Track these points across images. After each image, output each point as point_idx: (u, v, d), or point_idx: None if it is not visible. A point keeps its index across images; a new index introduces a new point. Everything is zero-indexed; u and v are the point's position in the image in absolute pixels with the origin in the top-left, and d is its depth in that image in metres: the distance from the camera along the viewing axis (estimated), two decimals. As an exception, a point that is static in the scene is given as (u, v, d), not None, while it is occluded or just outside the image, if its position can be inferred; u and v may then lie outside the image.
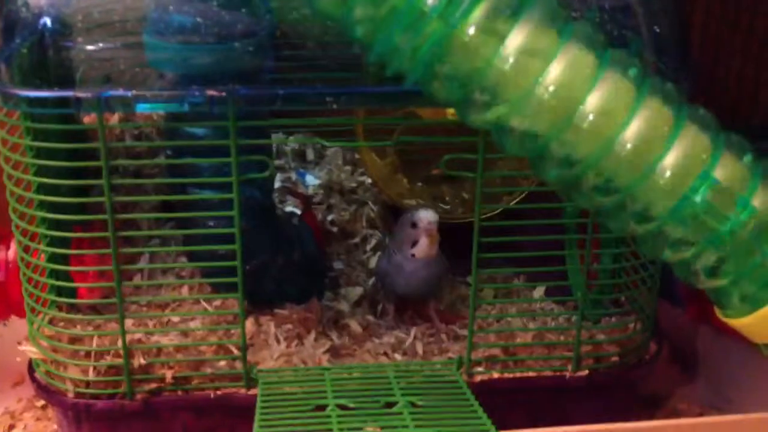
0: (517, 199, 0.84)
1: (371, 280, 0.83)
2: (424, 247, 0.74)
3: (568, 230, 0.77)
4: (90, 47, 0.65)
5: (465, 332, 0.77)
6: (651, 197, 0.52)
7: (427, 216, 0.73)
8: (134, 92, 0.60)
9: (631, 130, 0.51)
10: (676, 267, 0.55)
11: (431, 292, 0.78)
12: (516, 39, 0.51)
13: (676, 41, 0.64)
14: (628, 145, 0.51)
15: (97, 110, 0.60)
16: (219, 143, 0.63)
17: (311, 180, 0.96)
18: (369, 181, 0.96)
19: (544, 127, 0.52)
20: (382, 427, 0.57)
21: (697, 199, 0.51)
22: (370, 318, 0.79)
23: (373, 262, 0.87)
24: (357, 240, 0.90)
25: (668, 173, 0.51)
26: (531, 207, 0.79)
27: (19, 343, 0.90)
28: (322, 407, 0.61)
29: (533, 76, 0.51)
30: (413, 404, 0.61)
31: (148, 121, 0.79)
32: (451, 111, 0.78)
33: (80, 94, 0.59)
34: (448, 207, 0.91)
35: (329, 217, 0.92)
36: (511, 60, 0.51)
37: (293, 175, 0.96)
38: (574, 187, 0.54)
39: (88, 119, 0.78)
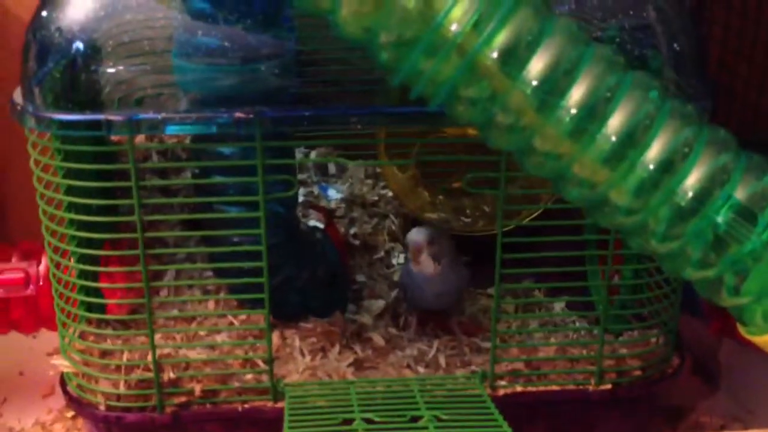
0: (537, 214, 0.85)
1: (393, 293, 0.84)
2: (417, 265, 0.76)
3: (588, 245, 0.77)
4: (113, 70, 0.66)
5: (487, 344, 0.78)
6: (672, 218, 0.53)
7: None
8: (164, 115, 0.61)
9: (653, 152, 0.52)
10: (699, 285, 0.55)
11: (451, 304, 0.79)
12: (537, 64, 0.51)
13: (695, 59, 0.64)
14: (650, 166, 0.52)
15: (128, 132, 0.62)
16: (246, 163, 0.64)
17: (333, 194, 0.97)
18: (390, 194, 0.97)
19: (565, 150, 0.53)
20: (408, 441, 0.58)
21: (719, 219, 0.52)
22: (393, 330, 0.80)
23: (395, 276, 0.88)
24: (380, 254, 0.91)
25: (689, 194, 0.52)
26: (551, 223, 0.79)
27: (50, 355, 0.92)
28: (349, 421, 0.62)
29: (556, 100, 0.51)
30: (438, 418, 0.62)
31: (176, 142, 0.80)
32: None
33: (111, 117, 0.61)
34: (469, 220, 0.92)
35: (352, 230, 0.93)
36: (533, 84, 0.52)
37: (315, 189, 0.97)
38: (596, 207, 0.55)
39: (116, 138, 0.80)
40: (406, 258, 0.89)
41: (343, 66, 0.79)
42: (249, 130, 0.62)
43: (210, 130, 0.62)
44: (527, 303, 0.82)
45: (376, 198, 0.98)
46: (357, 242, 0.92)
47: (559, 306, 0.81)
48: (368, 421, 0.62)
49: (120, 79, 0.66)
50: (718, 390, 0.85)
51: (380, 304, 0.83)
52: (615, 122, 0.52)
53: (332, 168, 1.01)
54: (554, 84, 0.51)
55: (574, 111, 0.52)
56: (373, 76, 0.70)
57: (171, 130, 0.62)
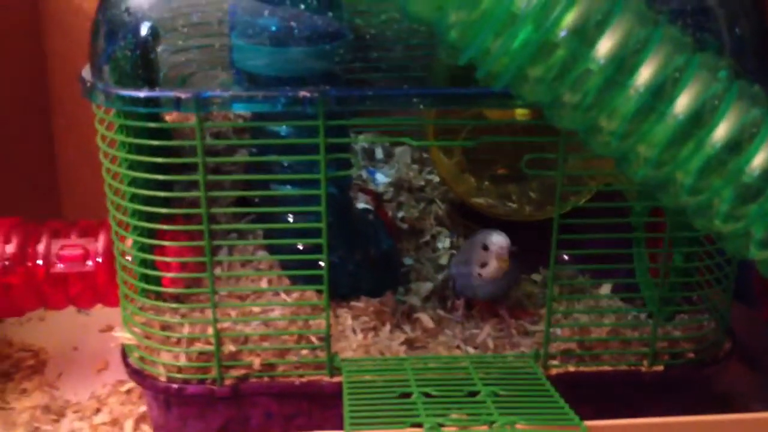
0: (586, 198, 0.85)
1: (440, 276, 0.85)
2: (492, 270, 0.75)
3: (636, 229, 0.78)
4: (177, 48, 0.68)
5: (535, 328, 0.79)
6: (739, 197, 0.53)
7: (499, 241, 0.74)
8: (231, 93, 0.63)
9: (720, 132, 0.52)
10: (762, 265, 0.56)
11: (501, 297, 0.80)
12: (607, 42, 0.52)
13: (756, 44, 0.65)
14: (718, 146, 0.52)
15: (195, 110, 0.63)
16: (309, 141, 0.65)
17: (381, 178, 0.98)
18: (437, 179, 0.98)
19: (631, 129, 0.54)
20: (468, 415, 0.59)
21: (787, 199, 0.52)
22: (441, 312, 0.82)
23: (441, 259, 0.89)
24: (427, 238, 0.92)
25: (756, 173, 0.53)
26: (600, 205, 0.80)
27: (103, 332, 0.94)
28: (407, 395, 0.63)
29: (624, 79, 0.52)
30: (496, 394, 0.63)
31: (236, 121, 0.82)
32: (520, 112, 0.80)
33: (180, 94, 0.62)
34: (515, 206, 0.93)
35: (399, 214, 0.94)
36: (602, 63, 0.52)
37: (363, 173, 0.98)
38: (661, 186, 0.56)
39: (170, 117, 0.81)
40: (452, 244, 0.90)
41: (388, 51, 0.80)
42: (313, 108, 0.63)
43: (275, 108, 0.63)
44: (575, 287, 0.82)
45: (422, 183, 0.99)
46: (405, 226, 0.93)
47: (605, 290, 0.81)
48: (426, 395, 0.63)
49: (182, 59, 0.68)
50: (766, 378, 0.85)
51: (428, 286, 0.84)
52: (682, 102, 0.52)
53: (379, 153, 1.02)
54: (623, 63, 0.52)
55: (642, 90, 0.52)
56: (420, 60, 0.71)
57: (237, 107, 0.63)
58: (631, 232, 0.78)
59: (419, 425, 0.58)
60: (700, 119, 0.52)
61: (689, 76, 0.52)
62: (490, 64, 0.54)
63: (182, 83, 0.69)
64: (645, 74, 0.52)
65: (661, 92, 0.52)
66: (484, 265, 0.76)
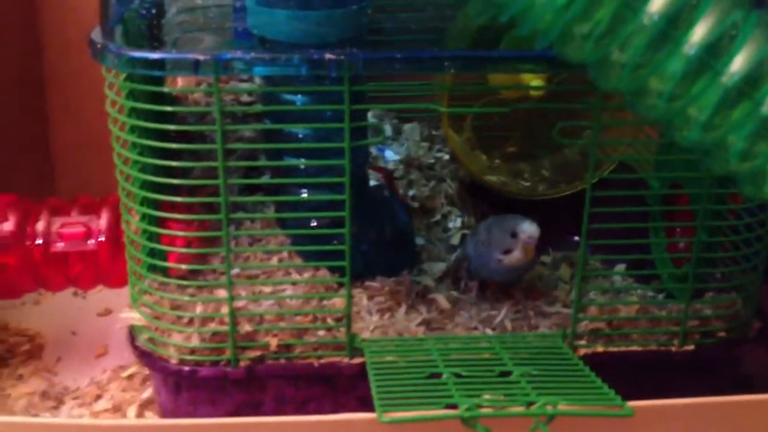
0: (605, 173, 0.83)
1: (453, 256, 0.83)
2: (516, 258, 0.73)
3: (651, 204, 0.76)
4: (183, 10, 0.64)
5: (551, 309, 0.76)
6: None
7: (529, 230, 0.71)
8: (253, 55, 0.59)
9: (778, 92, 0.50)
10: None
11: (516, 280, 0.78)
12: (660, -3, 0.49)
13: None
14: (774, 108, 0.50)
15: (214, 73, 0.59)
16: (332, 108, 0.62)
17: (391, 155, 0.95)
18: (446, 157, 0.96)
19: (683, 90, 0.51)
20: (505, 395, 0.56)
21: None
22: (455, 293, 0.79)
23: (453, 239, 0.86)
24: (437, 217, 0.90)
25: (816, 137, 0.50)
26: (620, 177, 0.78)
27: (101, 316, 0.91)
28: (436, 375, 0.60)
29: (678, 35, 0.49)
30: (529, 374, 0.60)
31: (254, 86, 0.78)
32: (534, 83, 0.77)
33: (199, 56, 0.59)
34: (528, 184, 0.90)
35: (410, 193, 0.91)
36: (654, 18, 0.49)
37: (373, 151, 0.95)
38: (711, 151, 0.53)
39: (174, 83, 0.78)
40: (463, 223, 0.88)
41: (411, 13, 0.77)
42: (339, 72, 0.60)
43: (299, 71, 0.60)
44: (591, 267, 0.80)
45: (432, 161, 0.96)
46: (415, 205, 0.90)
47: (618, 269, 0.79)
48: (456, 375, 0.61)
49: (182, 21, 0.64)
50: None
51: (441, 266, 0.82)
52: (738, 61, 0.50)
53: (388, 130, 0.99)
54: (677, 18, 0.49)
55: (696, 47, 0.49)
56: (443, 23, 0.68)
57: (259, 71, 0.60)
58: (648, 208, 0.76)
59: (454, 406, 0.55)
60: (757, 80, 0.50)
61: (746, 34, 0.50)
62: (534, 21, 0.51)
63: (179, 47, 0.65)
64: (700, 30, 0.49)
65: (717, 50, 0.50)
66: (508, 251, 0.73)
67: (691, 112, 0.52)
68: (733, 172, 0.54)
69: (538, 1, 0.51)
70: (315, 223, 0.72)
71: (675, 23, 0.50)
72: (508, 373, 0.61)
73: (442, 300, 0.77)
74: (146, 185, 0.65)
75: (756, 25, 0.50)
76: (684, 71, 0.50)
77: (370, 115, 0.97)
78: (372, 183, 0.88)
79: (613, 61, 0.51)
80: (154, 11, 0.61)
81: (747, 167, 0.53)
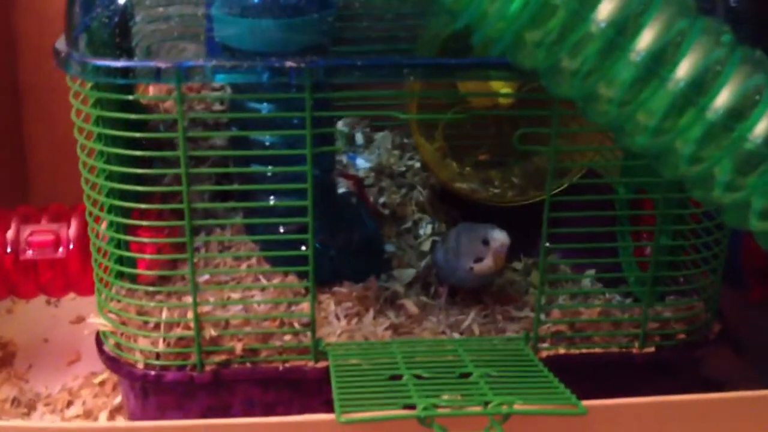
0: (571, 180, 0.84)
1: (423, 263, 0.84)
2: (487, 266, 0.74)
3: (619, 209, 0.77)
4: (154, 19, 0.65)
5: (520, 313, 0.77)
6: (739, 167, 0.52)
7: (500, 238, 0.72)
8: (214, 63, 0.60)
9: (723, 98, 0.51)
10: (762, 237, 0.55)
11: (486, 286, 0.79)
12: (608, 4, 0.51)
13: (751, 15, 0.64)
14: (719, 113, 0.51)
15: (176, 80, 0.60)
16: (295, 115, 0.63)
17: (362, 163, 0.96)
18: (418, 165, 0.97)
19: (632, 95, 0.52)
20: (462, 395, 0.57)
21: (790, 165, 0.51)
22: (424, 299, 0.80)
23: (423, 246, 0.87)
24: (408, 224, 0.91)
25: (758, 141, 0.51)
26: (588, 181, 0.78)
27: (73, 323, 0.91)
28: (397, 377, 0.61)
29: (625, 43, 0.51)
30: (489, 375, 0.61)
31: (217, 93, 0.79)
32: (504, 92, 0.79)
33: (161, 64, 0.59)
34: (498, 191, 0.92)
35: (381, 200, 0.92)
36: (602, 26, 0.51)
37: (344, 158, 0.96)
38: (661, 156, 0.54)
39: (146, 91, 0.79)
40: (433, 230, 0.88)
41: (374, 21, 0.78)
42: (299, 80, 0.61)
43: (260, 79, 0.61)
44: (559, 272, 0.81)
45: (403, 169, 0.97)
46: (386, 212, 0.91)
47: (588, 279, 0.80)
48: (417, 377, 0.61)
49: (161, 28, 0.65)
50: (752, 363, 0.85)
51: (411, 272, 0.83)
52: (684, 67, 0.51)
53: (359, 138, 1.00)
54: (624, 25, 0.51)
55: (643, 54, 0.51)
56: (411, 30, 0.69)
57: (220, 78, 0.61)
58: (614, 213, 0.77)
59: (412, 406, 0.56)
60: (701, 85, 0.51)
61: (691, 41, 0.51)
62: (487, 29, 0.52)
63: (155, 55, 0.66)
64: (646, 38, 0.51)
65: (663, 57, 0.51)
66: (479, 260, 0.74)
67: (641, 117, 0.53)
68: (683, 177, 0.55)
69: (491, 10, 0.52)
70: (283, 230, 0.73)
71: (622, 31, 0.51)
72: (468, 375, 0.62)
73: (410, 305, 0.78)
74: (113, 193, 0.66)
75: (701, 32, 0.52)
76: (632, 78, 0.52)
77: (340, 123, 0.98)
78: (341, 190, 0.89)
79: (563, 68, 0.53)
80: (117, 19, 0.61)
81: (695, 171, 0.54)
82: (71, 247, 0.77)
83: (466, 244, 0.75)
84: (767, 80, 0.52)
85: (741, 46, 0.53)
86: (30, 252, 0.77)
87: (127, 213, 0.68)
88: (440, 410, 0.55)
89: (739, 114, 0.52)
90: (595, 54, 0.51)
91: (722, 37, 0.52)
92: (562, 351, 0.71)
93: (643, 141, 0.54)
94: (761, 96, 0.51)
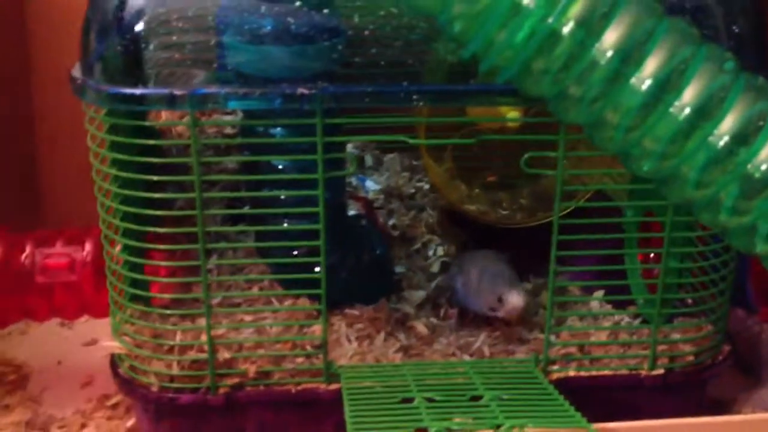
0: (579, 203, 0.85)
1: (432, 284, 0.84)
2: (500, 316, 0.76)
3: (627, 231, 0.77)
4: (162, 46, 0.66)
5: (530, 335, 0.78)
6: (745, 191, 0.53)
7: (514, 302, 0.74)
8: (227, 90, 0.61)
9: (727, 124, 0.52)
10: (768, 260, 0.55)
11: None
12: (613, 33, 0.52)
13: (755, 42, 0.64)
14: (724, 138, 0.52)
15: (190, 107, 0.62)
16: (307, 140, 0.64)
17: (371, 185, 0.97)
18: (427, 186, 0.97)
19: (638, 121, 0.53)
20: (473, 418, 0.58)
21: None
22: (434, 320, 0.80)
23: (433, 267, 0.88)
24: (418, 245, 0.91)
25: (764, 167, 0.52)
26: (595, 205, 0.79)
27: (87, 345, 0.92)
28: (409, 400, 0.62)
29: (630, 71, 0.51)
30: (500, 398, 0.62)
31: (229, 119, 0.80)
32: (511, 115, 0.79)
33: (176, 91, 0.61)
34: (507, 212, 0.92)
35: (390, 222, 0.93)
36: (608, 54, 0.52)
37: (354, 180, 0.97)
38: (667, 181, 0.55)
39: (159, 117, 0.80)
40: (443, 251, 0.89)
41: (383, 48, 0.79)
42: (311, 106, 0.62)
43: (272, 105, 0.62)
44: (568, 293, 0.82)
45: (413, 191, 0.98)
46: (396, 233, 0.92)
47: (597, 294, 0.81)
48: (428, 400, 0.62)
49: (170, 56, 0.66)
50: (759, 383, 0.85)
51: (421, 294, 0.83)
52: (689, 94, 0.52)
53: (369, 160, 1.01)
54: (629, 54, 0.52)
55: (648, 82, 0.52)
56: (419, 57, 0.70)
57: (233, 105, 0.62)
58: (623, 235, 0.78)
59: (424, 430, 0.56)
60: (706, 112, 0.52)
61: (695, 68, 0.52)
62: (494, 57, 0.53)
63: (169, 82, 0.67)
64: (651, 66, 0.52)
65: (667, 84, 0.52)
66: (493, 309, 0.76)
67: (647, 143, 0.54)
68: (689, 201, 0.56)
69: (498, 39, 0.53)
70: (296, 252, 0.74)
71: (627, 59, 0.52)
72: (479, 398, 0.62)
73: (420, 327, 0.79)
74: (127, 217, 0.67)
75: (705, 59, 0.53)
76: (638, 105, 0.53)
77: (350, 146, 0.99)
78: (351, 212, 0.90)
79: (570, 95, 0.53)
80: (131, 47, 0.63)
81: (701, 196, 0.55)
82: (86, 269, 0.78)
83: (485, 290, 0.77)
84: (771, 106, 0.53)
85: (744, 73, 0.53)
86: (45, 275, 0.78)
87: (141, 236, 0.69)
88: (451, 433, 0.56)
89: (744, 139, 0.52)
90: (600, 82, 0.52)
91: (725, 64, 0.52)
92: (572, 373, 0.72)
93: (650, 166, 0.55)
94: (765, 121, 0.52)
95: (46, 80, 1.02)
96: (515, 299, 0.74)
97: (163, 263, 0.69)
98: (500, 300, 0.75)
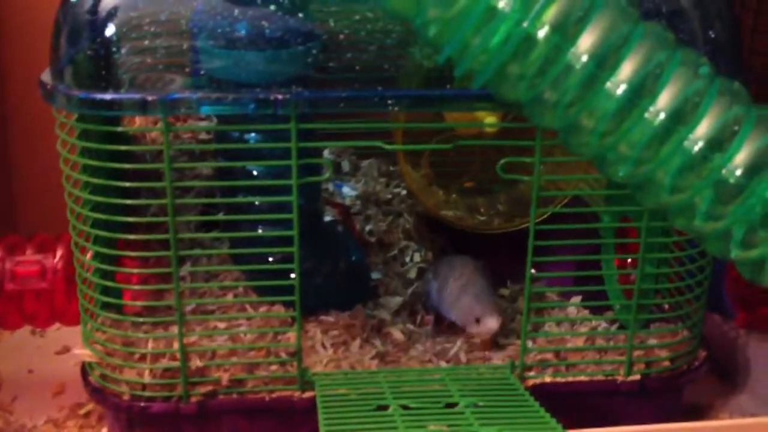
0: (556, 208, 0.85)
1: (409, 290, 0.84)
2: (473, 334, 0.76)
3: (604, 237, 0.77)
4: (140, 51, 0.66)
5: (506, 341, 0.77)
6: (720, 196, 0.53)
7: (490, 325, 0.75)
8: (200, 94, 0.61)
9: (702, 129, 0.52)
10: (742, 266, 0.55)
11: None
12: (588, 39, 0.51)
13: (731, 46, 0.65)
14: (699, 143, 0.52)
15: (162, 112, 0.61)
16: (281, 146, 0.63)
17: (348, 191, 0.97)
18: (404, 192, 0.97)
19: (612, 127, 0.53)
20: (448, 425, 0.57)
21: (768, 196, 0.52)
22: (411, 327, 0.80)
23: (410, 273, 0.87)
24: (395, 251, 0.91)
25: (738, 172, 0.52)
26: (572, 210, 0.79)
27: (59, 354, 0.91)
28: (384, 407, 0.61)
29: (605, 75, 0.51)
30: (475, 405, 0.61)
31: (203, 124, 0.80)
32: (489, 120, 0.79)
33: (148, 96, 0.60)
34: (484, 218, 0.92)
35: (367, 228, 0.92)
36: (583, 59, 0.51)
37: (330, 186, 0.97)
38: (643, 186, 0.55)
39: (133, 122, 0.79)
40: (420, 257, 0.89)
41: (359, 52, 0.79)
42: (285, 111, 0.61)
43: (245, 110, 0.61)
44: (545, 299, 0.81)
45: (389, 196, 0.97)
46: (372, 239, 0.91)
47: (574, 300, 0.80)
48: (403, 407, 0.61)
49: (146, 61, 0.65)
50: (738, 388, 0.85)
51: (397, 300, 0.83)
52: (664, 99, 0.52)
53: (346, 166, 1.01)
54: (604, 59, 0.51)
55: (623, 87, 0.52)
56: (394, 61, 0.70)
57: (206, 110, 0.61)
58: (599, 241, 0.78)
59: (398, 437, 0.56)
60: (681, 117, 0.52)
61: (670, 73, 0.52)
62: (469, 62, 0.53)
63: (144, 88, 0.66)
64: (626, 71, 0.51)
65: (643, 89, 0.52)
66: (470, 325, 0.76)
67: (622, 148, 0.54)
68: (664, 206, 0.56)
69: (473, 43, 0.52)
70: (272, 259, 0.73)
71: (603, 64, 0.52)
72: (454, 405, 0.62)
73: (397, 333, 0.78)
74: (98, 224, 0.66)
75: (680, 64, 0.53)
76: (613, 109, 0.52)
77: (326, 152, 0.99)
78: (328, 218, 0.89)
79: (546, 100, 0.53)
80: (102, 52, 0.62)
81: (676, 201, 0.55)
82: (57, 277, 0.77)
83: (465, 307, 0.76)
84: (746, 111, 0.53)
85: (720, 78, 0.53)
86: (15, 282, 0.77)
87: (112, 243, 0.68)
88: (426, 440, 0.55)
89: (719, 144, 0.52)
90: (576, 86, 0.52)
91: (701, 69, 0.52)
92: (548, 379, 0.71)
93: (625, 171, 0.54)
94: (740, 126, 0.52)
95: (18, 85, 1.01)
96: (492, 323, 0.75)
97: (135, 270, 0.68)
98: (477, 321, 0.75)
